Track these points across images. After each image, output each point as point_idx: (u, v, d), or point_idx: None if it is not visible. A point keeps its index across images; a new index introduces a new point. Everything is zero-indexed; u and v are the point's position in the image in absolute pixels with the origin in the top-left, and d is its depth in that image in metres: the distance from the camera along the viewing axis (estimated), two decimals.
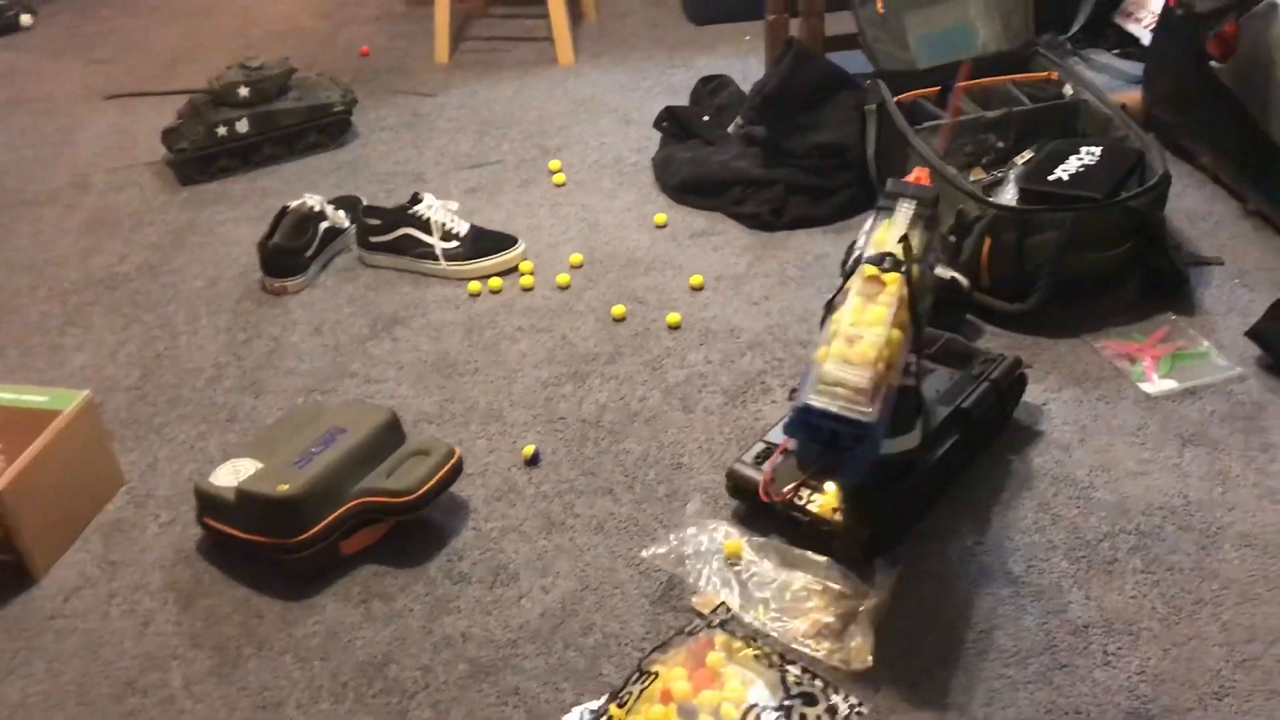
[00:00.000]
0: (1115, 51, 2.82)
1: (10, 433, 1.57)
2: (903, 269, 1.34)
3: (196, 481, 1.59)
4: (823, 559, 1.47)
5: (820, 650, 1.38)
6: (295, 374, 1.93)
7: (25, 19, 3.36)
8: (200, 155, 2.51)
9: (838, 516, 1.47)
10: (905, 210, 1.39)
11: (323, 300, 2.11)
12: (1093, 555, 1.50)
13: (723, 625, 1.38)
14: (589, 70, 2.95)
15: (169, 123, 2.55)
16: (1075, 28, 2.80)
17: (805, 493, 1.50)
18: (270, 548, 1.52)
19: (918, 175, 1.45)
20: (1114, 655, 1.37)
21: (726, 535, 1.51)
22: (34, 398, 1.64)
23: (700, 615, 1.41)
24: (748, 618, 1.42)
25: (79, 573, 1.58)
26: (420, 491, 1.54)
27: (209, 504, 1.57)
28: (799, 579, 1.46)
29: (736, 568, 1.48)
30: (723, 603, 1.42)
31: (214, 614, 1.50)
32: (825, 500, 1.49)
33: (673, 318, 1.98)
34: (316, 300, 2.11)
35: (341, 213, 2.24)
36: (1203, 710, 1.30)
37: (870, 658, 1.36)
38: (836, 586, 1.43)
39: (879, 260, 1.35)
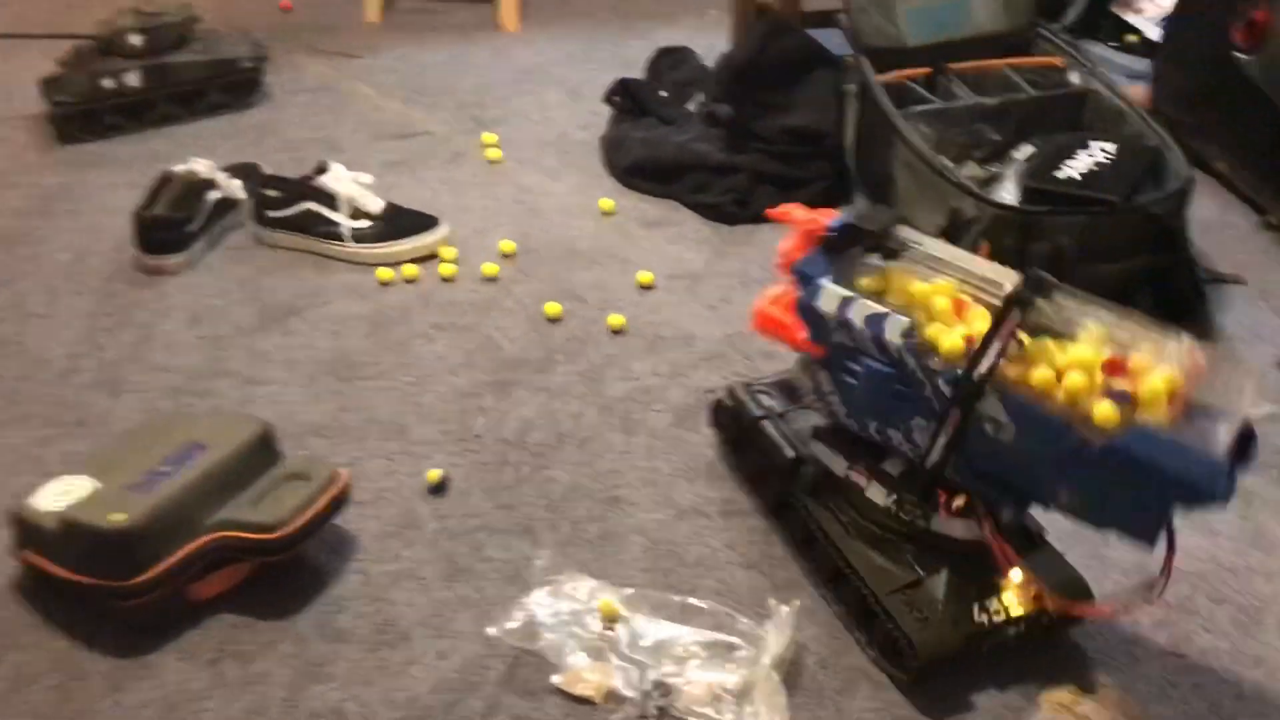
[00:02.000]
0: (1113, 44, 2.57)
1: None
2: None
3: (15, 505, 1.28)
4: (706, 604, 1.24)
5: None
6: (164, 370, 1.62)
7: None
8: (83, 110, 2.18)
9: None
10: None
11: (207, 283, 1.80)
12: (1110, 630, 1.24)
13: (658, 714, 1.11)
14: (536, 37, 2.66)
15: (50, 71, 2.22)
16: (1071, 17, 2.55)
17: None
18: (100, 591, 1.21)
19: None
20: None
21: (592, 593, 1.25)
22: None
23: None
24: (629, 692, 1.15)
25: None
26: (293, 526, 1.24)
27: (30, 533, 1.26)
28: (682, 634, 1.21)
29: (609, 632, 1.21)
30: (660, 683, 1.15)
31: (24, 673, 1.20)
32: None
33: (616, 320, 1.70)
34: (199, 283, 1.80)
35: (236, 182, 1.93)
36: None
37: None
38: (729, 639, 1.20)
39: None
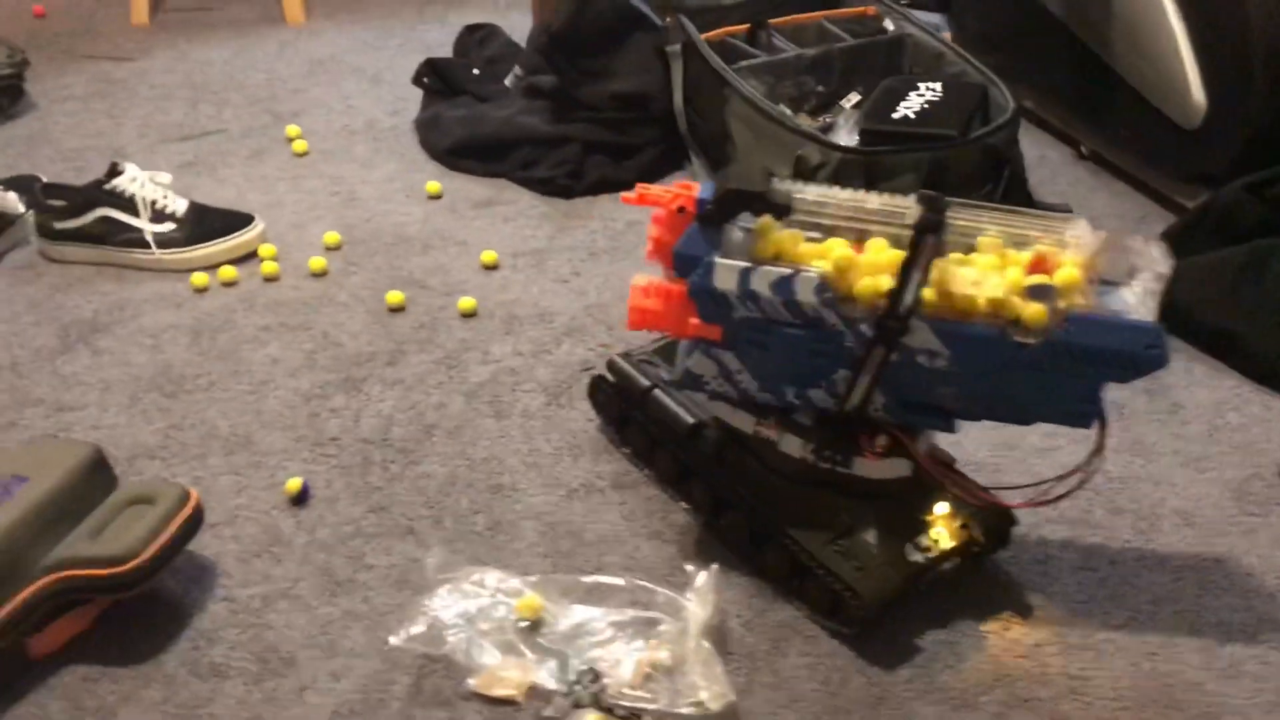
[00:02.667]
0: (904, 1, 2.63)
1: None
2: None
3: None
4: (619, 580, 1.17)
5: (662, 700, 1.04)
6: None
7: None
8: None
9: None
10: None
11: None
12: (1020, 553, 1.23)
13: (593, 702, 1.02)
14: (324, 28, 2.51)
15: None
16: None
17: None
18: None
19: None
20: (1079, 679, 1.10)
21: (500, 585, 1.15)
22: None
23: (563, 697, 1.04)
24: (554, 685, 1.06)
25: None
26: (144, 555, 1.09)
27: None
28: (597, 615, 1.13)
29: (523, 624, 1.12)
30: (589, 669, 1.06)
31: None
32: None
33: (466, 303, 1.59)
34: None
35: (13, 195, 1.72)
36: None
37: (730, 691, 1.04)
38: (649, 613, 1.13)
39: None
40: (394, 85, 2.22)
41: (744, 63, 1.81)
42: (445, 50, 2.26)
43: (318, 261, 1.68)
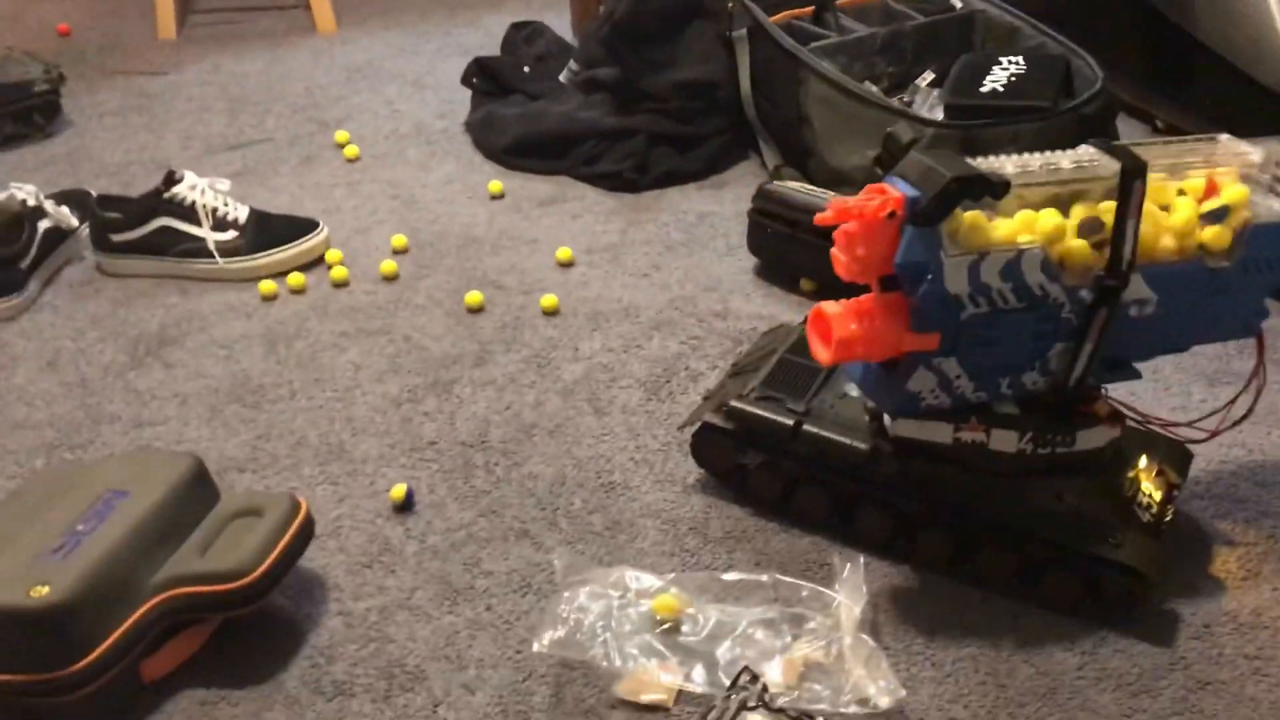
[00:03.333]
0: None
1: None
2: None
3: None
4: (760, 576, 1.09)
5: (824, 699, 0.97)
6: (28, 427, 1.34)
7: None
8: None
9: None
10: None
11: (54, 325, 1.53)
12: (1171, 532, 1.16)
13: (760, 704, 0.95)
14: (357, 36, 2.45)
15: None
16: None
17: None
18: (30, 689, 0.96)
19: None
20: (1259, 659, 1.03)
21: (636, 586, 1.07)
22: None
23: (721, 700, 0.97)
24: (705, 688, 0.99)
25: None
26: (260, 569, 1.02)
27: None
28: (739, 613, 1.06)
29: (663, 626, 1.05)
30: (746, 667, 0.99)
31: None
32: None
33: (548, 301, 1.53)
34: (44, 326, 1.53)
35: (66, 209, 1.65)
36: None
37: (899, 687, 0.97)
38: (795, 610, 1.06)
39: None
40: (437, 88, 2.16)
41: (816, 44, 1.76)
42: (484, 51, 2.20)
43: (388, 265, 1.61)
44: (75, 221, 1.65)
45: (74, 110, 2.11)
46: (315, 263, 1.63)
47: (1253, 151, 1.02)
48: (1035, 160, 1.00)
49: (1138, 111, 1.96)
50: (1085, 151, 1.00)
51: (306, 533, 1.09)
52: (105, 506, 1.04)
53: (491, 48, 2.21)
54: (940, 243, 0.95)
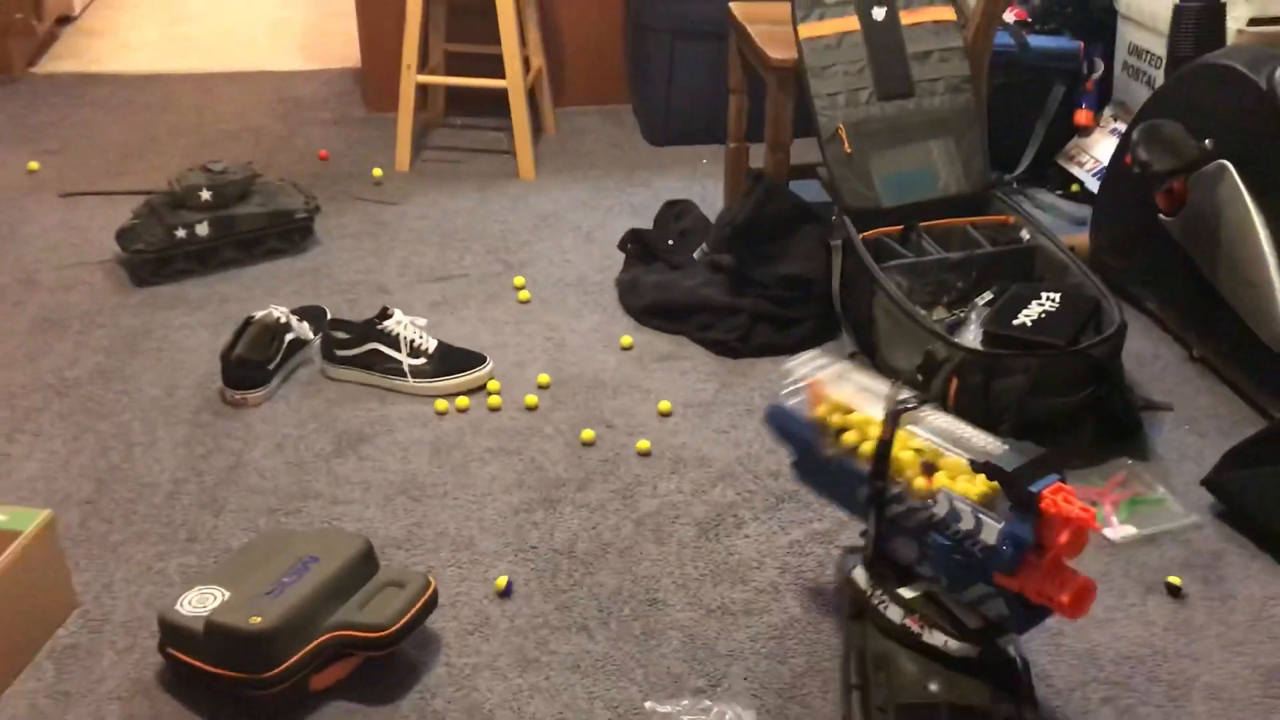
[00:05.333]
0: (1058, 192, 2.94)
1: None
2: None
3: (161, 609, 1.53)
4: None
5: None
6: (258, 492, 1.88)
7: None
8: (156, 256, 2.47)
9: None
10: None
11: (285, 414, 2.08)
12: (1066, 705, 1.52)
13: None
14: (550, 185, 2.98)
15: (123, 221, 2.51)
16: (1022, 168, 2.91)
17: None
18: (238, 682, 1.47)
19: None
20: None
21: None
22: None
23: None
24: None
25: (29, 705, 1.51)
26: (397, 626, 1.51)
27: (172, 633, 1.52)
28: None
29: None
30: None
31: None
32: None
33: (643, 445, 1.98)
34: (278, 414, 2.08)
35: (306, 324, 2.21)
36: None
37: None
38: None
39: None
40: (603, 244, 2.66)
41: (893, 262, 2.17)
42: (648, 212, 2.69)
43: (531, 398, 2.10)
44: (311, 335, 2.21)
45: (322, 230, 2.70)
46: (479, 389, 2.14)
47: None
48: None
49: (1179, 339, 2.28)
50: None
51: (432, 603, 1.57)
52: (302, 567, 1.55)
53: (655, 210, 2.69)
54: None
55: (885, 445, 1.39)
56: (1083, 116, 2.90)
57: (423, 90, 3.17)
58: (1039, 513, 1.28)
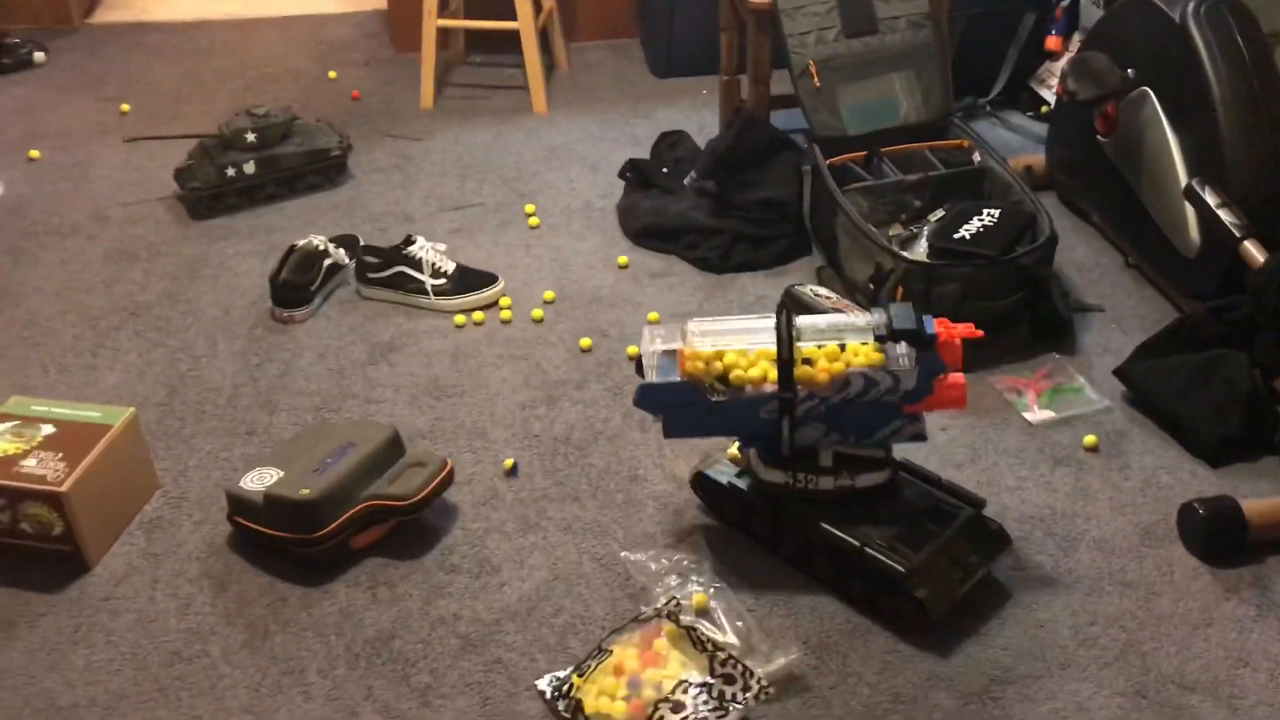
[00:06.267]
0: (1029, 114, 3.18)
1: (70, 443, 1.86)
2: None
3: (228, 486, 1.88)
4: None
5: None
6: (305, 394, 2.22)
7: (38, 56, 3.61)
8: (210, 193, 2.79)
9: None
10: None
11: (326, 329, 2.41)
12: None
13: (669, 616, 1.70)
14: (561, 119, 3.26)
15: (179, 162, 2.83)
16: (995, 91, 3.15)
17: None
18: (292, 542, 1.82)
19: None
20: (981, 633, 1.70)
21: (700, 583, 1.74)
22: (89, 413, 1.93)
23: (652, 609, 1.73)
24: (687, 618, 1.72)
25: (126, 563, 1.87)
26: (419, 496, 1.84)
27: (239, 505, 1.86)
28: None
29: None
30: (673, 598, 1.73)
31: (244, 598, 1.80)
32: None
33: (633, 350, 2.29)
34: (320, 329, 2.41)
35: (342, 250, 2.53)
36: (1050, 678, 1.63)
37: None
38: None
39: None
40: (606, 173, 2.94)
41: (855, 185, 2.45)
42: (649, 142, 2.96)
43: (537, 312, 2.42)
44: (347, 260, 2.53)
45: (355, 166, 3.01)
46: (492, 305, 2.45)
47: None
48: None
49: (1117, 247, 2.55)
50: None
51: (449, 479, 1.91)
52: (342, 450, 1.89)
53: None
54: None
55: (787, 365, 1.66)
56: (1052, 42, 3.12)
57: (444, 31, 3.44)
58: (937, 343, 1.64)
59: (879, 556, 1.68)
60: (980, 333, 1.68)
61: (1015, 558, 1.82)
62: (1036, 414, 2.11)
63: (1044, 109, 3.13)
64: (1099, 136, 2.48)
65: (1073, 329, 2.32)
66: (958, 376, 1.67)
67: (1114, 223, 2.55)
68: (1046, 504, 1.93)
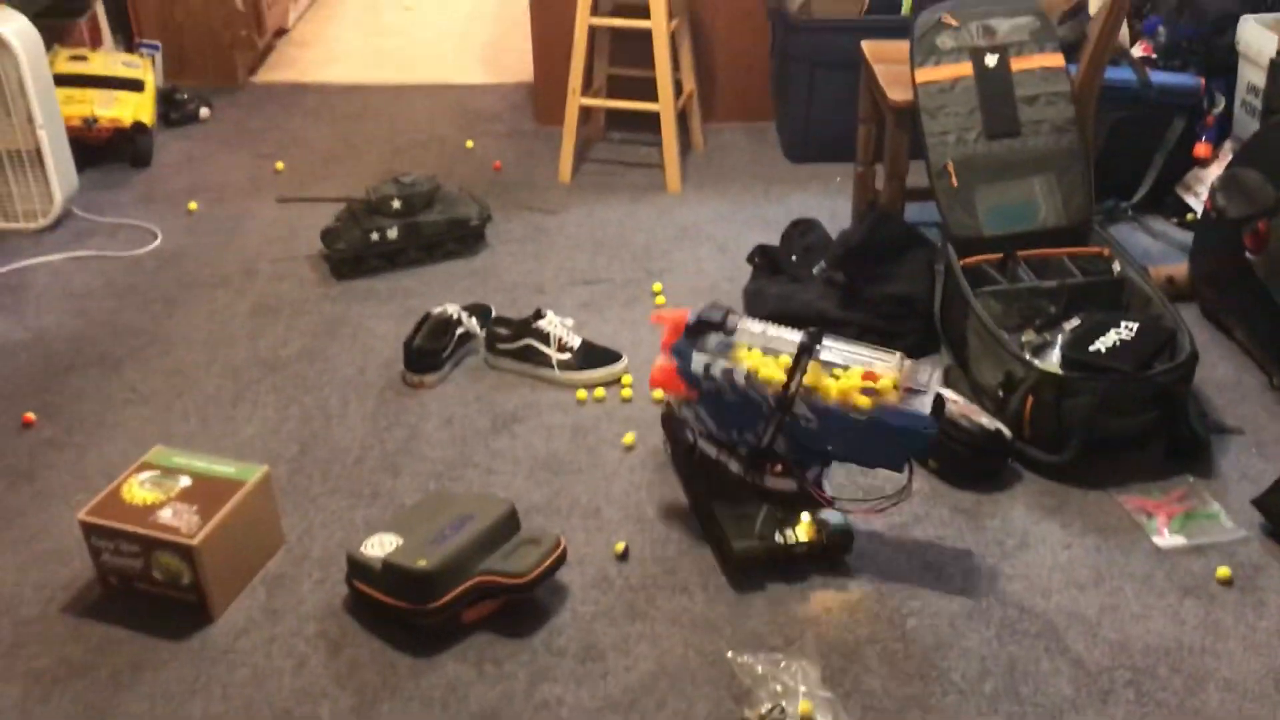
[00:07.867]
0: (1174, 220, 3.10)
1: (205, 497, 1.94)
2: None
3: (349, 550, 1.93)
4: None
5: None
6: (428, 460, 2.27)
7: (204, 112, 3.82)
8: (354, 255, 2.90)
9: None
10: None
11: (453, 396, 2.47)
12: (1092, 685, 1.77)
13: None
14: (693, 199, 3.31)
15: (327, 222, 2.95)
16: (1139, 195, 3.09)
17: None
18: (406, 612, 1.85)
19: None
20: None
21: (806, 693, 1.73)
22: (225, 469, 2.00)
23: (756, 715, 1.71)
24: None
25: (247, 616, 1.92)
26: (533, 574, 1.86)
27: (358, 569, 1.91)
28: None
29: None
30: (779, 704, 1.71)
31: (356, 661, 1.84)
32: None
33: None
34: (448, 395, 2.47)
35: (474, 319, 2.60)
36: None
37: None
38: None
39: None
40: (734, 255, 2.96)
41: (988, 288, 2.41)
42: (779, 226, 2.97)
43: (658, 393, 2.44)
44: (478, 329, 2.60)
45: (493, 235, 3.09)
46: (614, 382, 2.48)
47: (903, 368, 1.89)
48: (766, 327, 1.98)
49: (1262, 368, 2.45)
50: (796, 334, 1.92)
51: (562, 559, 1.92)
52: (460, 523, 1.92)
53: (785, 225, 2.97)
54: (694, 345, 1.97)
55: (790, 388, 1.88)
56: (1202, 149, 3.05)
57: (586, 108, 3.53)
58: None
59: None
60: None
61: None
62: (1167, 539, 2.04)
63: (1190, 216, 3.06)
64: (1248, 254, 2.40)
65: (1210, 451, 2.24)
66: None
67: (1260, 342, 2.46)
68: (1173, 636, 1.85)
